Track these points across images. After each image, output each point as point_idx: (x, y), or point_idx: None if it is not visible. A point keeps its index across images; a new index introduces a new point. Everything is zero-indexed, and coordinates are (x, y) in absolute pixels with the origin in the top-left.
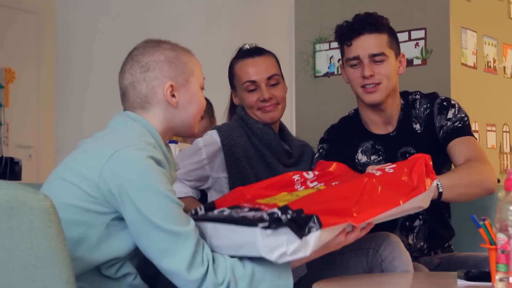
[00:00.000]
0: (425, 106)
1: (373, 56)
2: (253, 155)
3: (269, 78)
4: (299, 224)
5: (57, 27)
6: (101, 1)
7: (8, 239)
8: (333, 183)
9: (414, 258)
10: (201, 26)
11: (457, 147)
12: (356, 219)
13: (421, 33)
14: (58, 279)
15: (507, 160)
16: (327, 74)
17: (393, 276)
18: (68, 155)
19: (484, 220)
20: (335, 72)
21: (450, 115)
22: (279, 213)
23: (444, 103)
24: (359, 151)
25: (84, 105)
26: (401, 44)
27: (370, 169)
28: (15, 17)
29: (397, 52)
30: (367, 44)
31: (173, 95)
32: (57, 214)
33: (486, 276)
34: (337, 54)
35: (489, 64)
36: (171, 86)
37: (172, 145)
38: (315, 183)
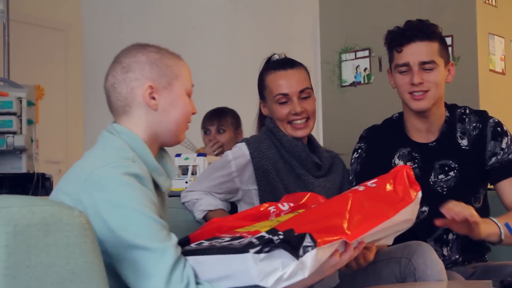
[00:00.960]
0: (474, 124)
1: (423, 63)
2: (282, 167)
3: (301, 91)
4: (293, 244)
5: (84, 43)
6: (127, 16)
7: (45, 255)
8: (313, 206)
9: (448, 268)
10: (227, 36)
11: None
12: (350, 236)
13: (448, 40)
14: None
15: None
16: (353, 84)
17: (426, 285)
18: (58, 182)
19: None
20: (362, 82)
21: (504, 144)
22: (270, 235)
23: (498, 129)
24: (396, 156)
25: (111, 120)
26: None
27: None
28: (43, 34)
29: (447, 61)
30: (418, 51)
31: (153, 98)
32: (92, 229)
33: None
34: (363, 63)
35: None
36: (151, 87)
37: (200, 158)
38: (289, 215)
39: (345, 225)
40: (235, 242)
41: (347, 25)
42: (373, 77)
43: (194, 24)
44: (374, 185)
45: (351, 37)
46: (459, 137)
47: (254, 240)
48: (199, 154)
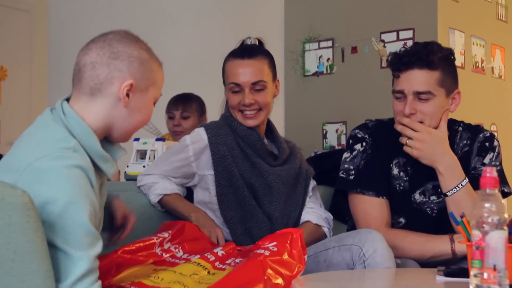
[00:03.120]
0: (465, 141)
1: (418, 93)
2: (238, 154)
3: (254, 83)
4: None
5: (49, 25)
6: None
7: None
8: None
9: None
10: (194, 23)
11: None
12: None
13: (409, 33)
14: (36, 273)
15: None
16: (316, 73)
17: (374, 272)
18: None
19: (462, 217)
20: (324, 72)
21: (487, 159)
22: None
23: (486, 144)
24: (394, 163)
25: None
26: (389, 44)
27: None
28: (8, 15)
29: (450, 89)
30: (414, 80)
31: (127, 95)
32: (36, 209)
33: (464, 272)
34: (326, 53)
35: (477, 65)
36: (131, 84)
37: (159, 143)
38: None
39: None
40: None
41: (311, 15)
42: (335, 67)
43: (162, 10)
44: (275, 248)
45: (315, 27)
46: None
47: None
48: (158, 139)
